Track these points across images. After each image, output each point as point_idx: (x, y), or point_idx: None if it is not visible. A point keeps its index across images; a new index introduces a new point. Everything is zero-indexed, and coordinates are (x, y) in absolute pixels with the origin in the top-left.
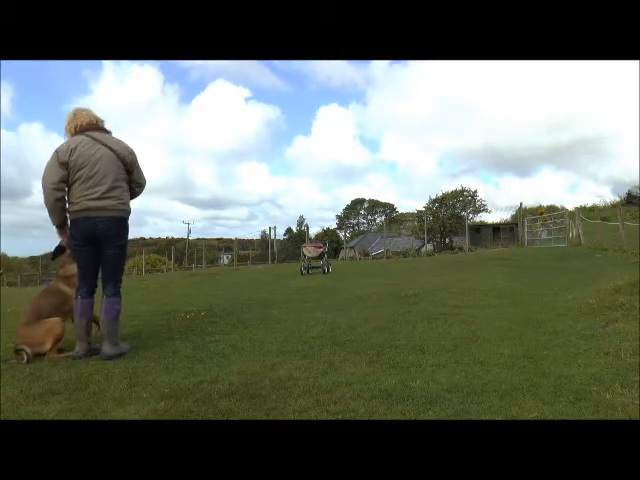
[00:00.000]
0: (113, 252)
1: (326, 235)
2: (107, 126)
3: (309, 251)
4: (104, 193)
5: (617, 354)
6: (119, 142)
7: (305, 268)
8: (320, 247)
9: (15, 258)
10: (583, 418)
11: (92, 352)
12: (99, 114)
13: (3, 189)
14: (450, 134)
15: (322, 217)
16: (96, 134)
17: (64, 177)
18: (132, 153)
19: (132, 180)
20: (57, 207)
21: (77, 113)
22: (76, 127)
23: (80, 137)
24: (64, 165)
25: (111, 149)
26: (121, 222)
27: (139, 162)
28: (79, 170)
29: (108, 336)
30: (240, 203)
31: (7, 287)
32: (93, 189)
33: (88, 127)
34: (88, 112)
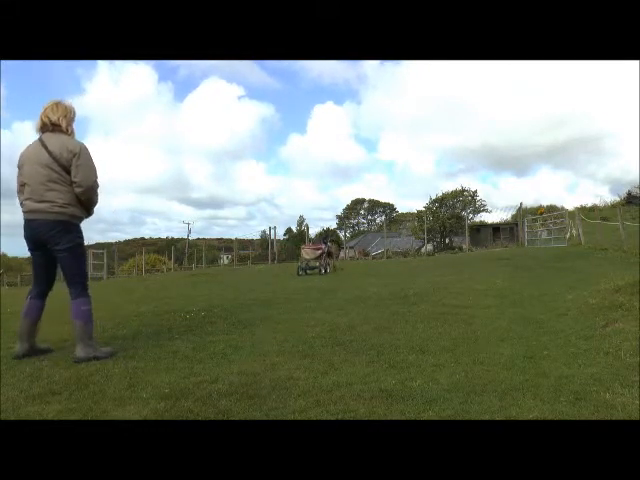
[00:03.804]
0: (61, 256)
1: (328, 235)
2: (99, 124)
3: (307, 253)
4: (40, 196)
5: (617, 354)
6: (62, 141)
7: (302, 269)
8: (319, 248)
9: (15, 258)
10: (583, 418)
11: (34, 353)
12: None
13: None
14: (447, 133)
15: (320, 217)
16: (46, 135)
17: (21, 181)
18: (71, 152)
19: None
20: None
21: (41, 114)
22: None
23: (36, 140)
24: (19, 169)
25: (47, 150)
26: (61, 225)
27: (85, 161)
28: (22, 174)
29: (79, 339)
30: (237, 203)
31: (7, 287)
32: (31, 192)
33: (42, 129)
34: (45, 112)
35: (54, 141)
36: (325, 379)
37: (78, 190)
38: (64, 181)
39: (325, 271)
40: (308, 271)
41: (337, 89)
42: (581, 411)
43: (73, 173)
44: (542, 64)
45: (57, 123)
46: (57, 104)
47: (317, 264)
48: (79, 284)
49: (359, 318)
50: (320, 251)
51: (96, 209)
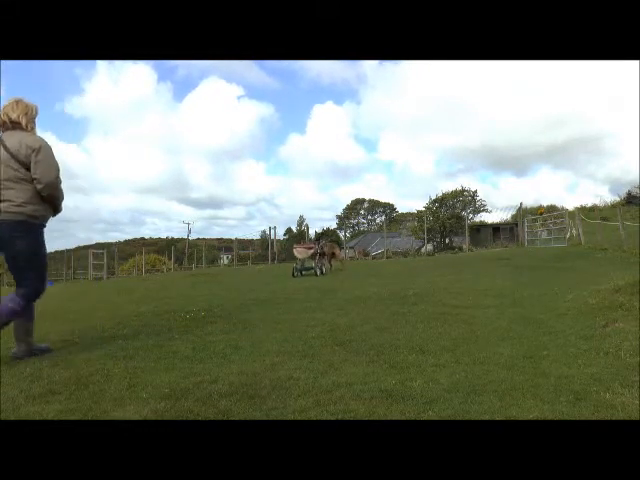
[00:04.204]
0: (13, 256)
1: (323, 234)
2: (98, 124)
3: (299, 252)
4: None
5: (617, 354)
6: (21, 138)
7: (297, 270)
8: (311, 247)
9: None
10: (583, 418)
11: (34, 353)
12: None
13: None
14: (447, 133)
15: (320, 217)
16: (6, 134)
17: None
18: (30, 147)
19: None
20: None
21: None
22: None
23: None
24: None
25: (5, 147)
26: (22, 225)
27: (44, 157)
28: None
29: None
30: (237, 203)
31: (7, 287)
32: None
33: (2, 127)
34: (4, 110)
35: (13, 139)
36: (325, 379)
37: (39, 187)
38: (23, 179)
39: (321, 272)
40: (303, 272)
41: (337, 89)
42: (581, 411)
43: (32, 169)
44: (542, 64)
45: (17, 121)
46: (17, 102)
47: (312, 264)
48: (26, 288)
49: (359, 318)
50: (312, 250)
51: (96, 209)
